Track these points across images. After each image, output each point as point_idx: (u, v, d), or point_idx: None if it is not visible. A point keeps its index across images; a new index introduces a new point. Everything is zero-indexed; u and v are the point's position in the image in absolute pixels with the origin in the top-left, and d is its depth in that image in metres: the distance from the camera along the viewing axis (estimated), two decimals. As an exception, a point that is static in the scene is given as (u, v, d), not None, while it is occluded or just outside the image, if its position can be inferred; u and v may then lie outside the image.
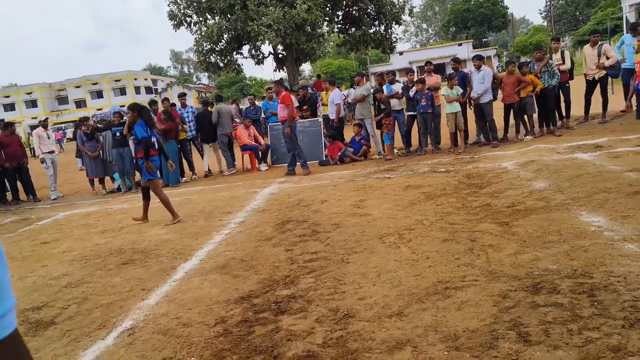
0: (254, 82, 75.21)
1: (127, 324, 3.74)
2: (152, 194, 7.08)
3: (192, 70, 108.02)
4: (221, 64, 24.89)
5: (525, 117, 9.88)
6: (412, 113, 10.28)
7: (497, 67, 55.55)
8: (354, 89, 11.40)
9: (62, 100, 75.22)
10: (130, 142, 10.41)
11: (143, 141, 6.92)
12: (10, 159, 11.05)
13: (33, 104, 72.58)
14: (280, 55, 24.64)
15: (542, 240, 4.23)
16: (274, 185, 8.95)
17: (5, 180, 11.46)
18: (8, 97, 72.66)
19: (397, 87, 10.56)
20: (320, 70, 58.00)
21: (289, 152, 10.13)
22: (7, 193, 11.64)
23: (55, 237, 7.21)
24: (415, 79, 10.32)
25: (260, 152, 11.50)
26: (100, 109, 67.09)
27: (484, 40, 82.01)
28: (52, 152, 11.59)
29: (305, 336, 3.16)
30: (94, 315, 4.01)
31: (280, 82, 10.98)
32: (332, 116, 11.41)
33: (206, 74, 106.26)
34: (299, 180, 9.21)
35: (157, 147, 7.13)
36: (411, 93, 10.05)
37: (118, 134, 10.44)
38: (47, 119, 12.66)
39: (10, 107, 71.98)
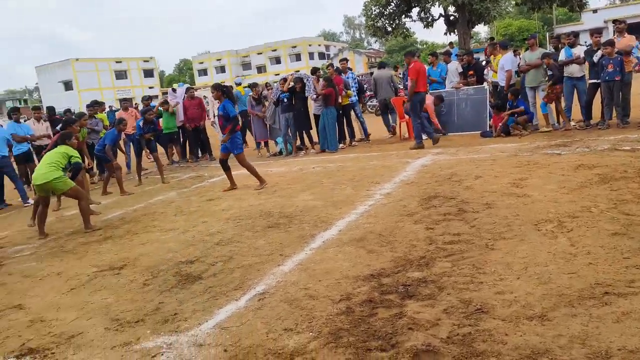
0: (424, 46, 73.02)
1: (260, 288, 3.87)
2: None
3: (363, 36, 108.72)
4: (389, 28, 24.50)
5: None
6: (595, 81, 8.93)
7: None
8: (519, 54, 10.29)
9: (246, 66, 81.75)
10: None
11: (235, 119, 7.63)
12: (190, 120, 12.30)
13: (222, 69, 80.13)
14: (451, 18, 23.37)
15: None
16: (428, 157, 8.57)
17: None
18: (202, 63, 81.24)
19: (579, 51, 9.23)
20: (498, 32, 53.84)
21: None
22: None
23: (220, 195, 7.84)
24: (604, 40, 8.90)
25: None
26: (278, 74, 71.59)
27: None
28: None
29: (428, 327, 2.92)
30: (234, 275, 4.23)
31: (410, 52, 10.60)
32: (502, 83, 10.45)
33: (376, 39, 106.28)
34: (456, 152, 8.68)
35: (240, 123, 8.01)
36: (595, 58, 8.70)
37: (285, 100, 10.88)
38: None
39: (203, 72, 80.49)
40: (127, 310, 3.79)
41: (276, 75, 72.50)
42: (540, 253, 3.78)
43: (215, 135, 12.98)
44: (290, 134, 11.34)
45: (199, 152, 12.93)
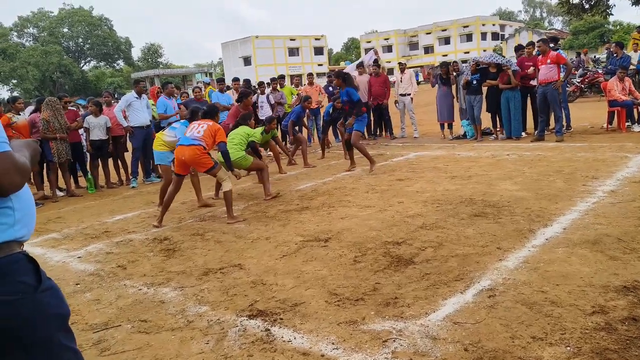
0: (618, 27, 64.44)
1: (485, 283, 3.53)
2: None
3: (544, 14, 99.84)
4: (586, 6, 21.81)
5: None
6: None
7: None
8: None
9: (413, 46, 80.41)
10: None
11: (360, 103, 8.09)
12: (374, 98, 12.23)
13: (389, 49, 79.89)
14: (669, -8, 19.97)
15: None
16: (652, 152, 7.36)
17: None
18: (370, 42, 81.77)
19: None
20: None
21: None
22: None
23: (408, 175, 7.61)
24: None
25: (636, 110, 9.63)
26: (446, 55, 69.23)
27: None
28: (405, 95, 12.35)
29: None
30: (450, 264, 3.95)
31: (546, 40, 9.31)
32: None
33: (560, 18, 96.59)
34: (691, 149, 7.32)
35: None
36: None
37: (474, 82, 10.22)
38: (405, 63, 13.46)
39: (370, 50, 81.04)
40: (343, 286, 3.73)
41: (444, 56, 70.16)
42: None
43: (397, 113, 12.79)
44: (477, 117, 10.65)
45: (378, 130, 12.86)
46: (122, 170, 9.80)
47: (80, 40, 77.04)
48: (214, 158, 6.11)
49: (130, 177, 9.39)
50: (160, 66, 79.27)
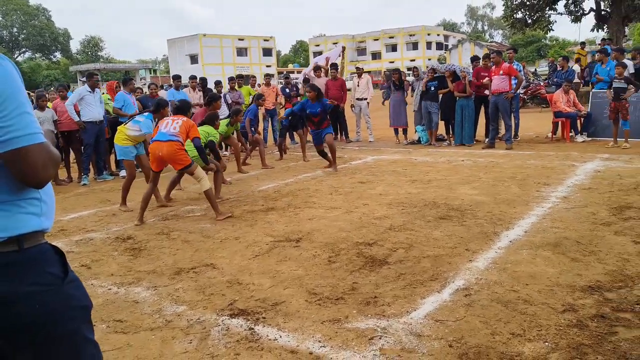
0: (554, 42, 68.22)
1: (460, 282, 3.66)
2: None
3: (485, 27, 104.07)
4: (529, 20, 23.03)
5: None
6: None
7: None
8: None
9: (361, 51, 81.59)
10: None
11: (330, 109, 8.65)
12: (329, 100, 12.31)
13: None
14: (603, 12, 21.41)
15: None
16: (596, 162, 7.84)
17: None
18: (318, 45, 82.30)
19: None
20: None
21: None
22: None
23: (369, 178, 7.74)
24: None
25: (579, 121, 10.24)
26: (392, 62, 70.84)
27: None
28: (361, 99, 12.55)
29: (692, 359, 2.55)
30: (423, 264, 4.07)
31: (500, 52, 10.29)
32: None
33: (500, 31, 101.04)
34: (630, 159, 7.87)
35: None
36: None
37: (432, 88, 10.54)
38: (362, 68, 13.68)
39: (319, 54, 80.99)
40: (321, 286, 3.76)
41: (390, 62, 71.83)
42: None
43: (353, 117, 12.95)
44: (432, 123, 10.99)
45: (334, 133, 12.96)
46: (74, 167, 9.38)
47: (15, 30, 73.13)
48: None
49: (82, 174, 9.00)
50: (101, 60, 76.33)
